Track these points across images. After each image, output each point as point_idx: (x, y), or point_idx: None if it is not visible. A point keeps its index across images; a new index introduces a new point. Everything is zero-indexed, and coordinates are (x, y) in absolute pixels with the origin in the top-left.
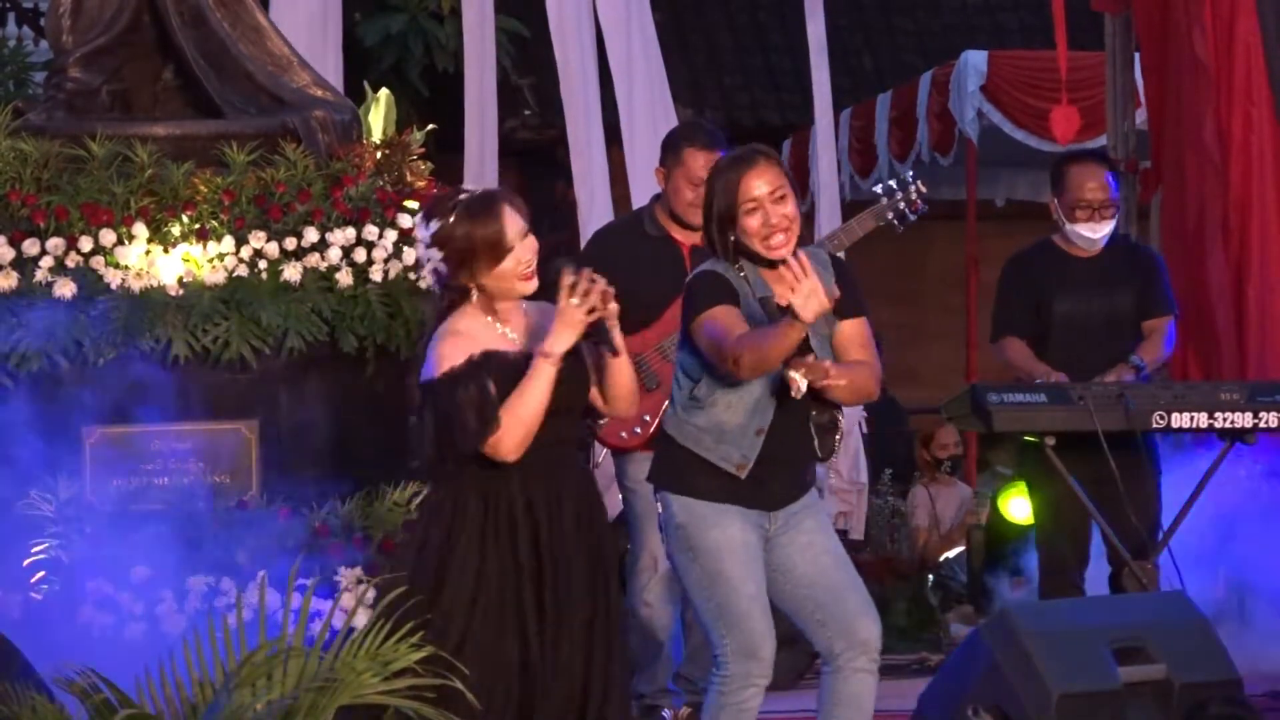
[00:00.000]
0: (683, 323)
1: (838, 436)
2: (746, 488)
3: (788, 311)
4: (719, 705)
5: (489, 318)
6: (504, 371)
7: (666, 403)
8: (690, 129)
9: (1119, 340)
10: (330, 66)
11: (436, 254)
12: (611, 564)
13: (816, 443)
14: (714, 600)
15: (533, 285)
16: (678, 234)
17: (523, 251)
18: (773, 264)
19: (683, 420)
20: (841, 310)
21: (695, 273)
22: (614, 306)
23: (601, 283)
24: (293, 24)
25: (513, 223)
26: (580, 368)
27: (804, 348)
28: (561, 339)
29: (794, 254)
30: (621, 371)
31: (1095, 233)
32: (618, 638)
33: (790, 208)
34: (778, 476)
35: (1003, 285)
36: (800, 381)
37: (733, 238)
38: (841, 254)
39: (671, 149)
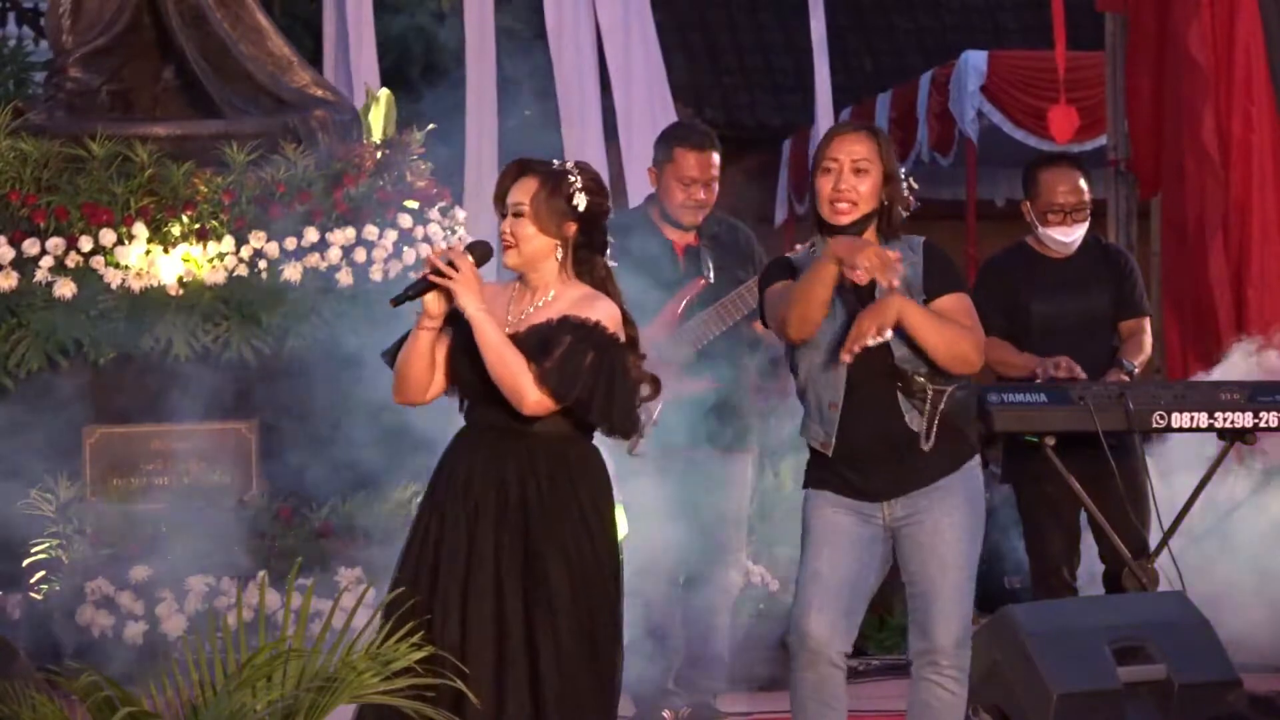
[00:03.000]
0: (760, 317)
1: (938, 407)
2: (849, 477)
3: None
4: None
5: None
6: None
7: (660, 404)
8: (682, 129)
9: (1095, 341)
10: (364, 63)
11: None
12: (552, 565)
13: (910, 418)
14: (800, 570)
15: (507, 257)
16: (671, 234)
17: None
18: (837, 232)
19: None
20: (934, 288)
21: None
22: (456, 272)
23: (456, 253)
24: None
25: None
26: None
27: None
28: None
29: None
30: (420, 353)
31: (1068, 236)
32: (551, 638)
33: (866, 185)
34: (877, 462)
35: (978, 288)
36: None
37: (814, 202)
38: None
39: (663, 149)
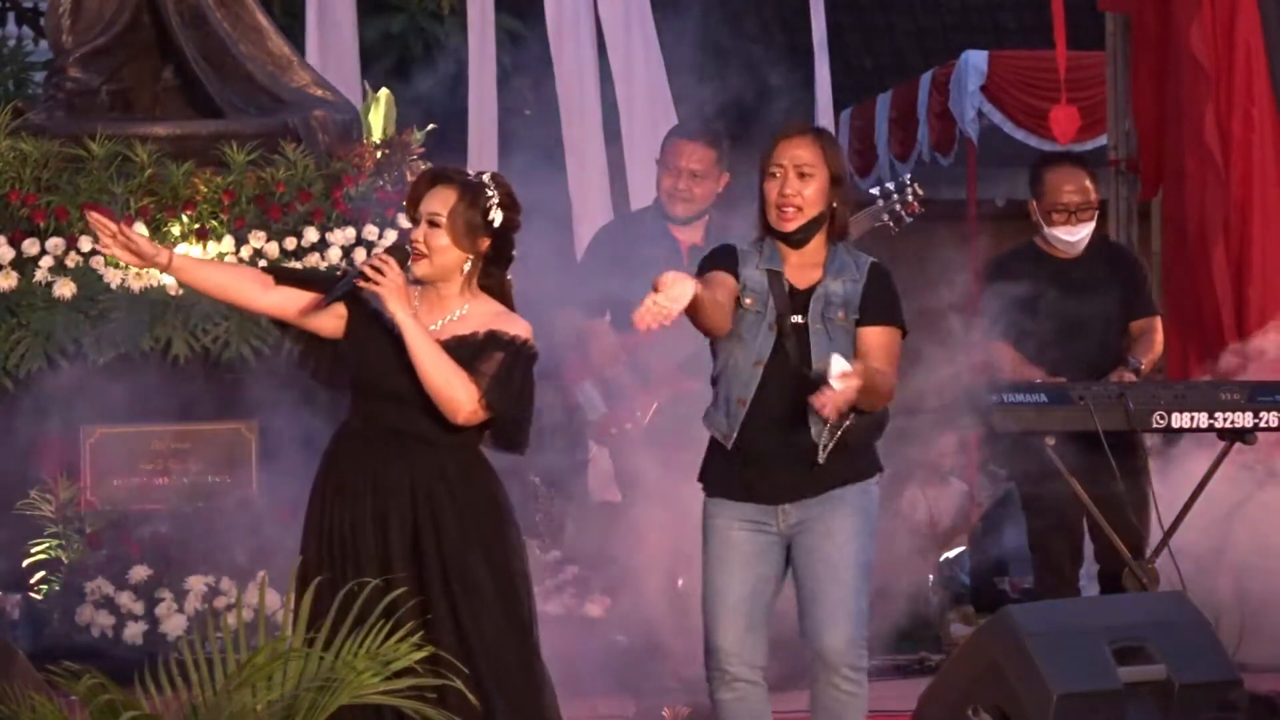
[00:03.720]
0: None
1: (841, 422)
2: (747, 478)
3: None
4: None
5: None
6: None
7: (656, 403)
8: (684, 121)
9: (1103, 341)
10: (348, 66)
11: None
12: (474, 560)
13: (814, 429)
14: (702, 588)
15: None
16: (677, 231)
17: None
18: (785, 238)
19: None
20: (868, 316)
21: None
22: (383, 278)
23: (383, 258)
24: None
25: None
26: (403, 355)
27: (802, 343)
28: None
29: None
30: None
31: (1073, 235)
32: (478, 625)
33: (811, 189)
34: (775, 464)
35: (984, 286)
36: (830, 403)
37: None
38: None
39: (664, 140)
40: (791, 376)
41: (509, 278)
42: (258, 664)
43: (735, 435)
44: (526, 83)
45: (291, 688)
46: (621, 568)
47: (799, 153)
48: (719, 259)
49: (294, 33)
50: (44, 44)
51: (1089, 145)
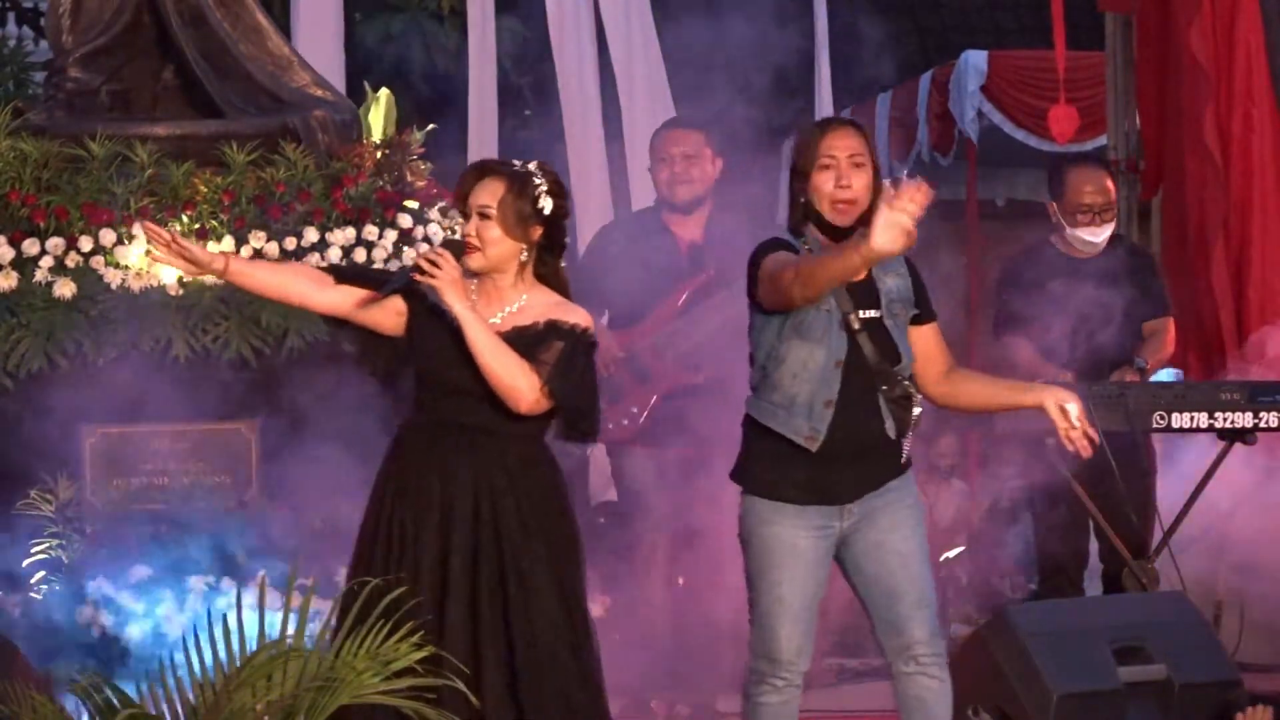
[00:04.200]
0: (748, 293)
1: (914, 413)
2: (823, 479)
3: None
4: (744, 697)
5: None
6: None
7: (655, 398)
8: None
9: (1118, 341)
10: (335, 67)
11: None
12: (535, 557)
13: (889, 422)
14: (752, 594)
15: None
16: (677, 228)
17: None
18: (837, 233)
19: (759, 400)
20: (923, 312)
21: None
22: (440, 271)
23: (439, 252)
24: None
25: None
26: (464, 348)
27: (882, 338)
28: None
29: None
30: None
31: (1097, 236)
32: (529, 627)
33: (865, 177)
34: (847, 462)
35: (1002, 285)
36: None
37: (803, 199)
38: None
39: (651, 139)
40: (868, 373)
41: (563, 264)
42: (258, 664)
43: (823, 437)
44: (527, 83)
45: (291, 688)
46: (621, 566)
47: (851, 143)
48: (779, 246)
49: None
50: (44, 44)
51: (1089, 145)
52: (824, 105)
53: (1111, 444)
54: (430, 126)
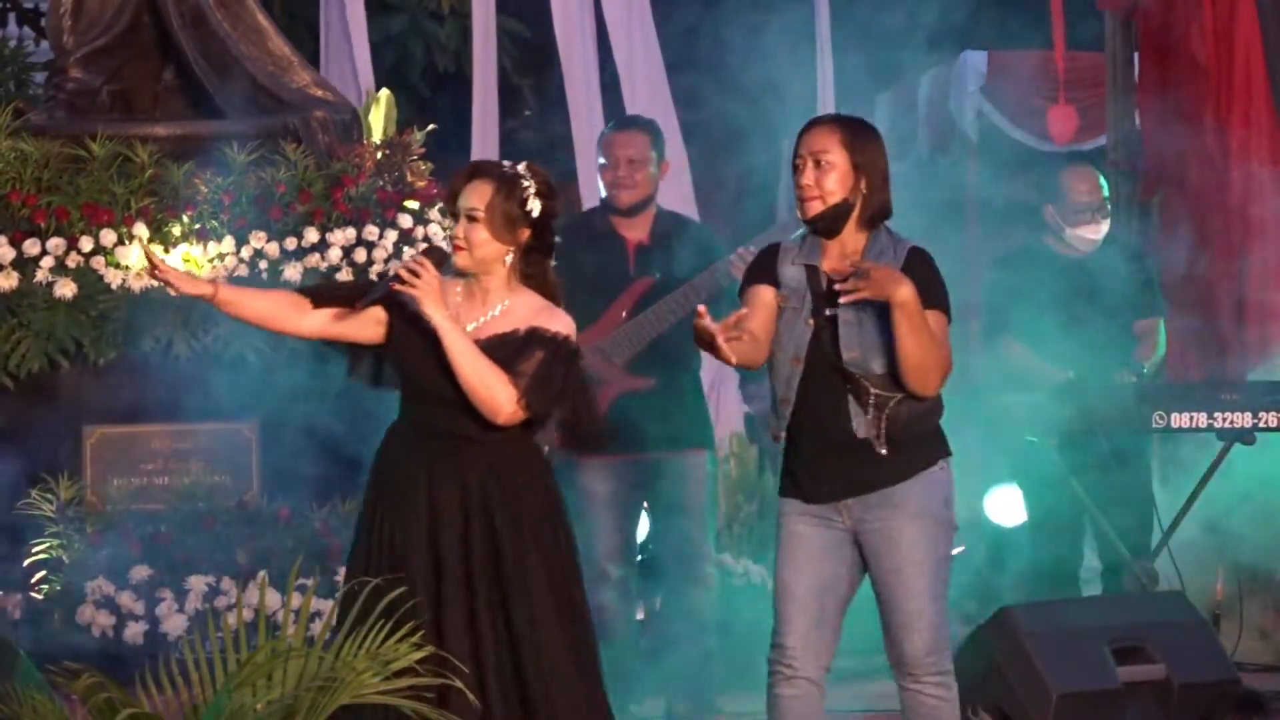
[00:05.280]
0: None
1: (888, 413)
2: (799, 476)
3: (834, 282)
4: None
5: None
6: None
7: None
8: (616, 119)
9: (1111, 340)
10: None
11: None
12: (529, 561)
13: (855, 420)
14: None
15: (458, 258)
16: (625, 231)
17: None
18: (815, 228)
19: None
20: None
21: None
22: (419, 280)
23: (418, 261)
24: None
25: None
26: (444, 356)
27: (833, 335)
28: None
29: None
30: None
31: (1096, 235)
32: (531, 632)
33: (830, 177)
34: (823, 462)
35: (997, 287)
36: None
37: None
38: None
39: (598, 140)
40: (830, 370)
41: (552, 263)
42: (258, 664)
43: (784, 434)
44: (527, 83)
45: (291, 688)
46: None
47: (814, 141)
48: (758, 268)
49: (294, 33)
50: (44, 44)
51: (1088, 145)
52: (825, 105)
53: (1111, 444)
54: (430, 126)
